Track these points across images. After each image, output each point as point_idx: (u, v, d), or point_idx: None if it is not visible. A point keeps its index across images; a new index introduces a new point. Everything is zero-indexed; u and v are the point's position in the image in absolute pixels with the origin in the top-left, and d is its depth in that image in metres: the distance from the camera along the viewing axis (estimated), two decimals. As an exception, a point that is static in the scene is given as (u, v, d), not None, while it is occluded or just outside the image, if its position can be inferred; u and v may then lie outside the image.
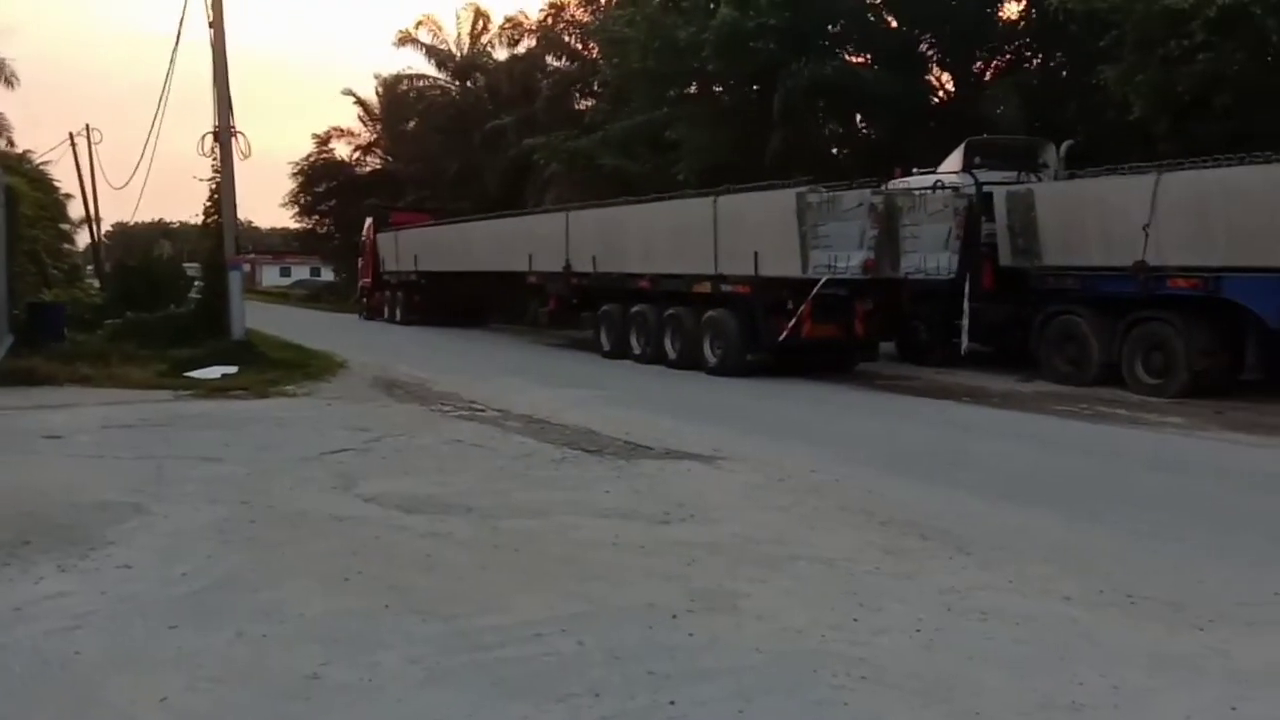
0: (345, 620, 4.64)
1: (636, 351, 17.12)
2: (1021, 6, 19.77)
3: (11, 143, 32.90)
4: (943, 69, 21.43)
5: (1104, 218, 13.17)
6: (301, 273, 62.95)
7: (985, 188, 14.69)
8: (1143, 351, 12.75)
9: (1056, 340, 13.90)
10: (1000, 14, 20.45)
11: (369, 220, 31.56)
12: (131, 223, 64.34)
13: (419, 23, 37.30)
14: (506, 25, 35.75)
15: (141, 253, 32.25)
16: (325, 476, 7.76)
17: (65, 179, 38.79)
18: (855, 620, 4.68)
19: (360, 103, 41.49)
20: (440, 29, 37.47)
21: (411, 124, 38.30)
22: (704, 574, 5.35)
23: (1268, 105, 13.98)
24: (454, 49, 37.59)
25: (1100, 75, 15.10)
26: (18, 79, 29.73)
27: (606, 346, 18.08)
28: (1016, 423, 11.10)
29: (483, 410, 11.39)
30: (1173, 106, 14.27)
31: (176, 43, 25.35)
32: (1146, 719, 3.76)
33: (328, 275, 52.86)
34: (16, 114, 53.20)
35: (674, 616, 4.67)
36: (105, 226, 48.16)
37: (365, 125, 42.16)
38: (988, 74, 20.82)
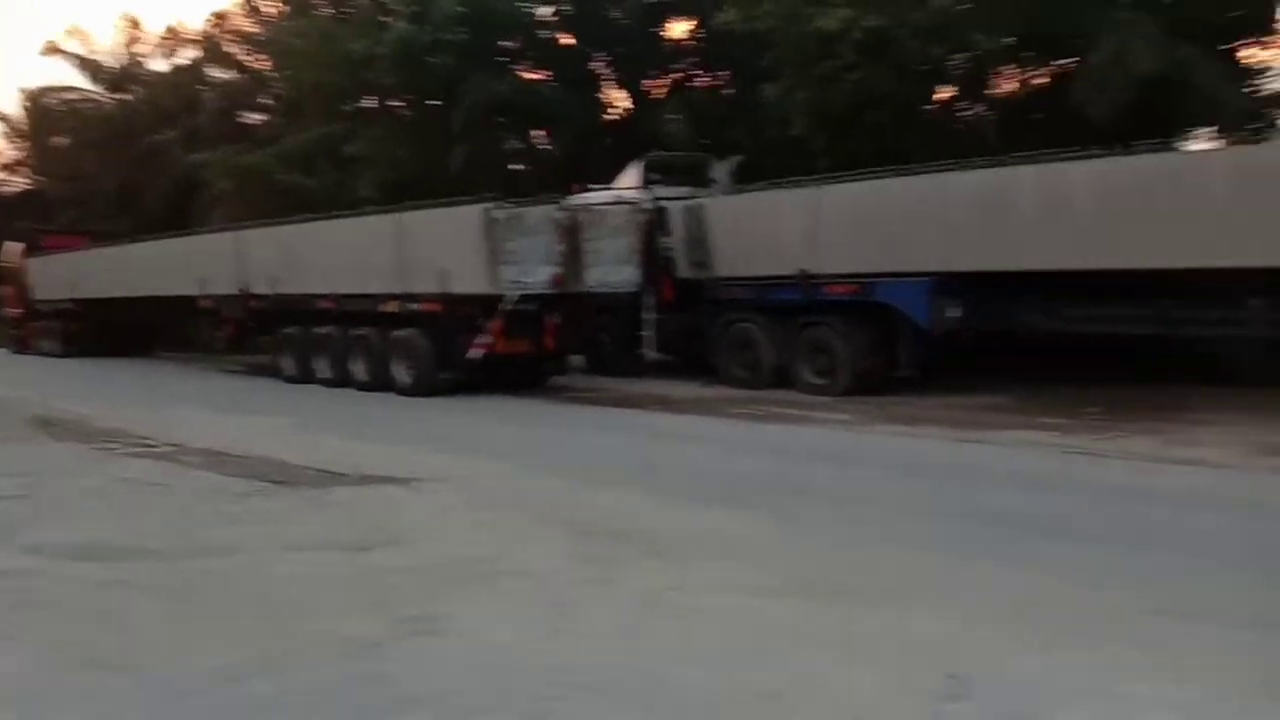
0: (13, 683, 4.13)
1: (323, 375, 16.35)
2: (690, 27, 20.78)
3: None
4: (617, 86, 22.12)
5: (770, 230, 14.06)
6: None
7: (661, 202, 15.26)
8: (810, 354, 13.67)
9: (732, 347, 14.64)
10: (668, 34, 21.39)
11: (11, 245, 28.22)
12: None
13: (68, 32, 34.04)
14: (166, 36, 33.35)
15: None
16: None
17: None
18: (558, 630, 4.67)
19: (3, 118, 37.29)
20: (90, 39, 34.37)
21: (62, 140, 34.81)
22: (405, 599, 5.17)
23: (914, 122, 15.45)
24: (108, 60, 34.56)
25: (762, 93, 16.07)
26: None
27: (290, 371, 17.14)
28: (700, 427, 11.58)
29: (155, 445, 10.40)
30: (828, 123, 15.34)
31: None
32: (841, 700, 3.92)
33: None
34: None
35: (377, 645, 4.49)
36: None
37: (10, 143, 37.94)
38: (659, 92, 21.70)
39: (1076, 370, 13.21)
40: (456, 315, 14.38)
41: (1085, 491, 7.77)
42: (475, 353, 14.02)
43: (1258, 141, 13.77)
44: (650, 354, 15.33)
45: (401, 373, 14.94)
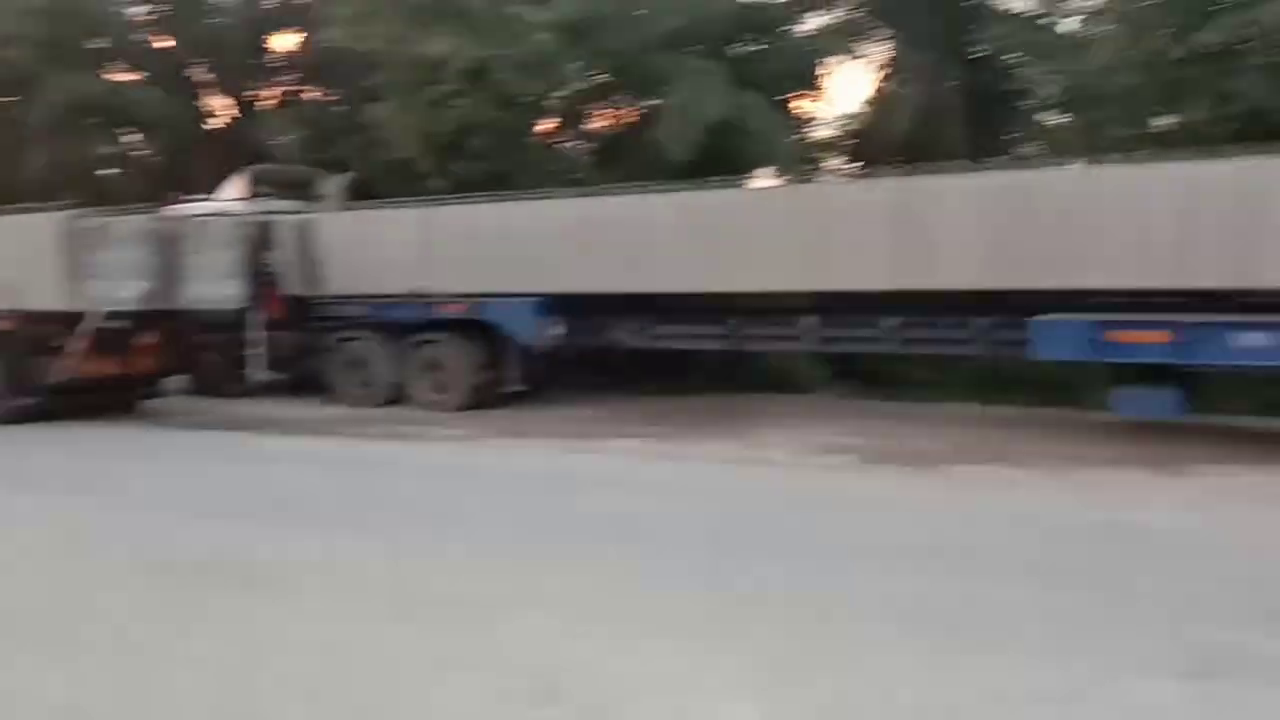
0: None
1: None
2: (298, 41, 20.08)
3: None
4: (220, 94, 20.93)
5: (382, 248, 13.91)
6: None
7: (268, 216, 14.65)
8: (424, 372, 13.66)
9: (347, 365, 14.31)
10: (276, 45, 20.56)
11: None
12: None
13: None
14: None
15: None
16: None
17: None
18: (139, 682, 4.40)
19: None
20: None
21: None
22: None
23: (515, 149, 15.94)
24: None
25: (370, 114, 15.93)
26: None
27: None
28: (311, 448, 11.23)
29: None
30: (436, 147, 15.50)
31: None
32: (438, 714, 4.07)
33: None
34: None
35: None
36: None
37: None
38: (266, 103, 20.79)
39: (668, 382, 14.32)
40: (31, 334, 12.93)
41: (666, 492, 8.43)
42: (57, 376, 12.68)
43: (807, 180, 15.53)
44: (259, 374, 14.59)
45: (-35, 400, 13.16)
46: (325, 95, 20.21)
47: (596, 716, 4.06)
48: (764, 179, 16.30)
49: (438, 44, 14.54)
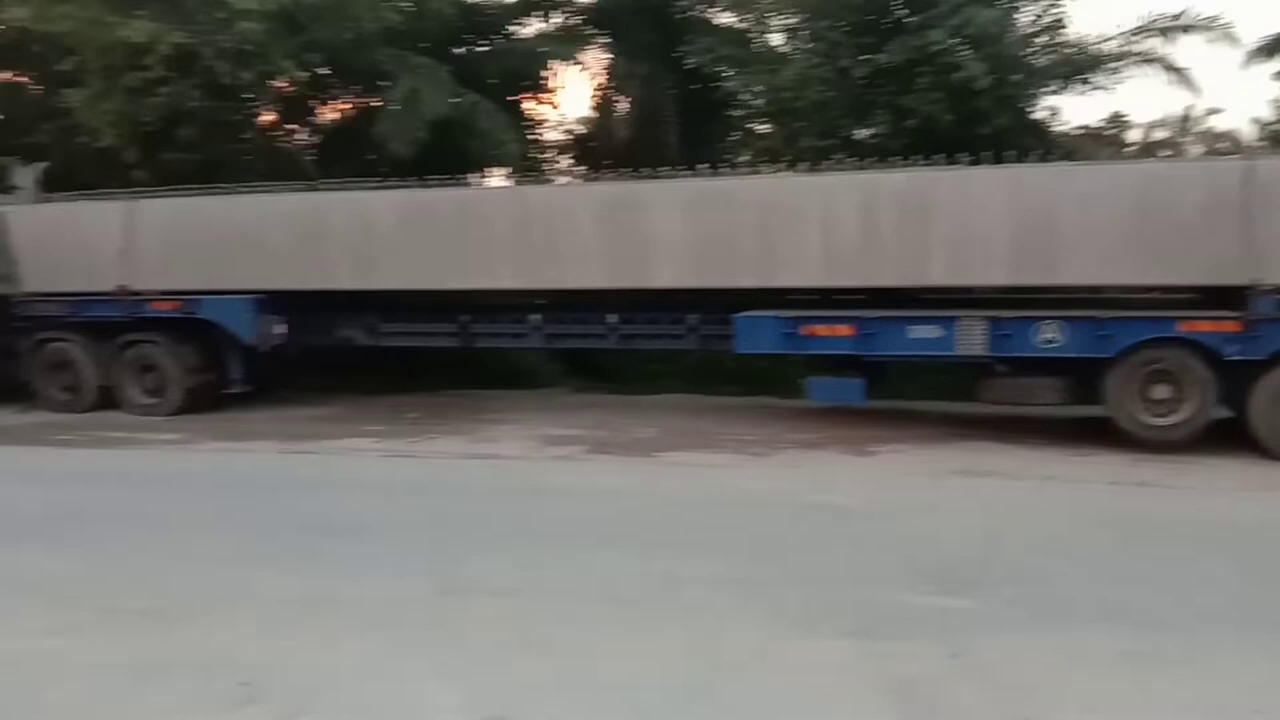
0: None
1: None
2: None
3: None
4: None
5: (84, 242, 13.08)
6: None
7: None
8: (136, 373, 12.97)
9: (49, 368, 13.35)
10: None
11: None
12: None
13: None
14: None
15: None
16: None
17: None
18: None
19: None
20: None
21: None
22: None
23: (228, 138, 15.36)
24: None
25: (67, 99, 14.89)
26: None
27: None
28: (11, 459, 10.55)
29: None
30: (141, 136, 14.70)
31: None
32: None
33: None
34: None
35: None
36: None
37: None
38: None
39: (398, 380, 14.32)
40: None
41: (392, 490, 8.58)
42: None
43: (529, 181, 15.89)
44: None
45: None
46: (16, 76, 18.56)
47: (297, 711, 4.18)
48: (495, 179, 16.56)
49: (137, 29, 13.74)
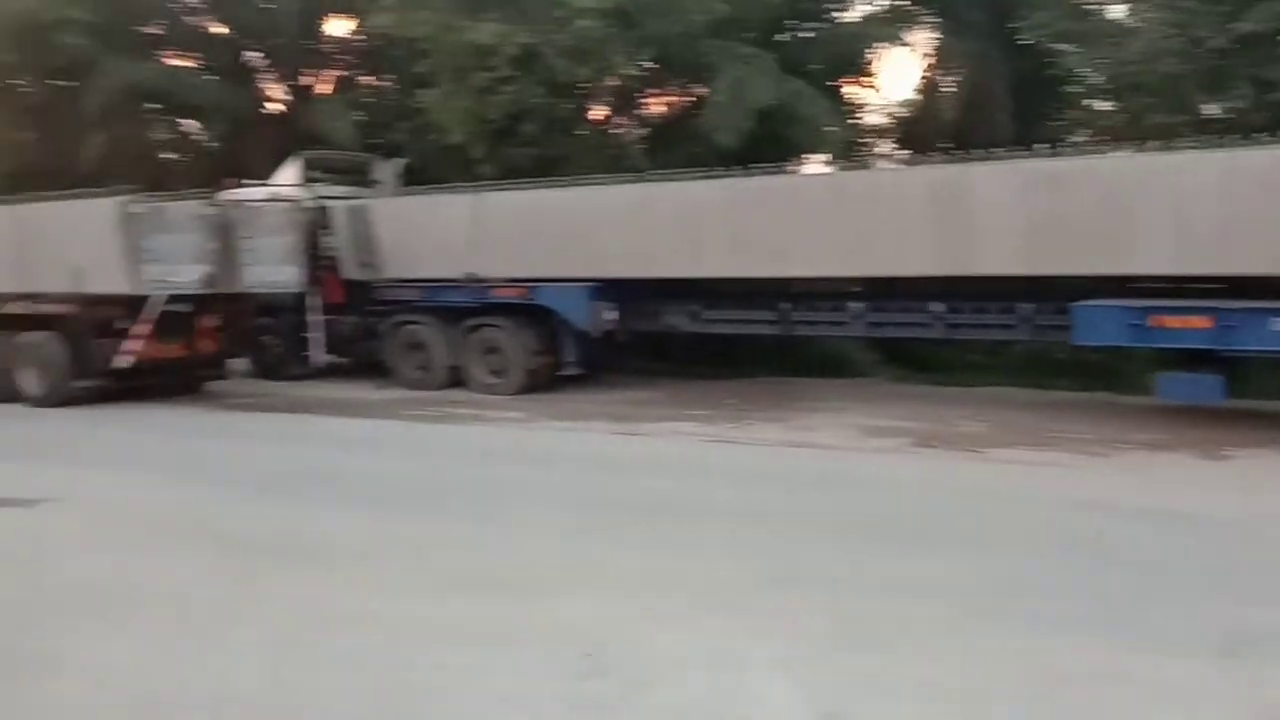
0: None
1: (-66, 386, 14.58)
2: (353, 27, 20.39)
3: None
4: (275, 80, 21.30)
5: (436, 233, 14.20)
6: None
7: (323, 201, 15.00)
8: (481, 355, 13.95)
9: (405, 348, 14.64)
10: (329, 31, 20.88)
11: None
12: None
13: None
14: None
15: None
16: None
17: None
18: (201, 654, 4.61)
19: None
20: None
21: None
22: (21, 634, 4.91)
23: (566, 133, 16.16)
24: None
25: (421, 99, 16.20)
26: None
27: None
28: (372, 430, 11.51)
29: None
30: (486, 132, 15.70)
31: None
32: (490, 686, 4.25)
33: None
34: None
35: None
36: None
37: None
38: (321, 89, 21.13)
39: (716, 366, 14.53)
40: (93, 317, 13.34)
41: (717, 475, 8.65)
42: (123, 359, 13.10)
43: (858, 167, 15.62)
44: (319, 357, 15.01)
45: (31, 382, 13.67)
46: (379, 81, 20.51)
47: (640, 689, 4.24)
48: (815, 165, 16.44)
49: (485, 31, 14.76)
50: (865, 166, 16.30)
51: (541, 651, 4.60)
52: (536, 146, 15.76)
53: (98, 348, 13.22)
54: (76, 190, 13.97)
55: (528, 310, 13.60)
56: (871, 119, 19.36)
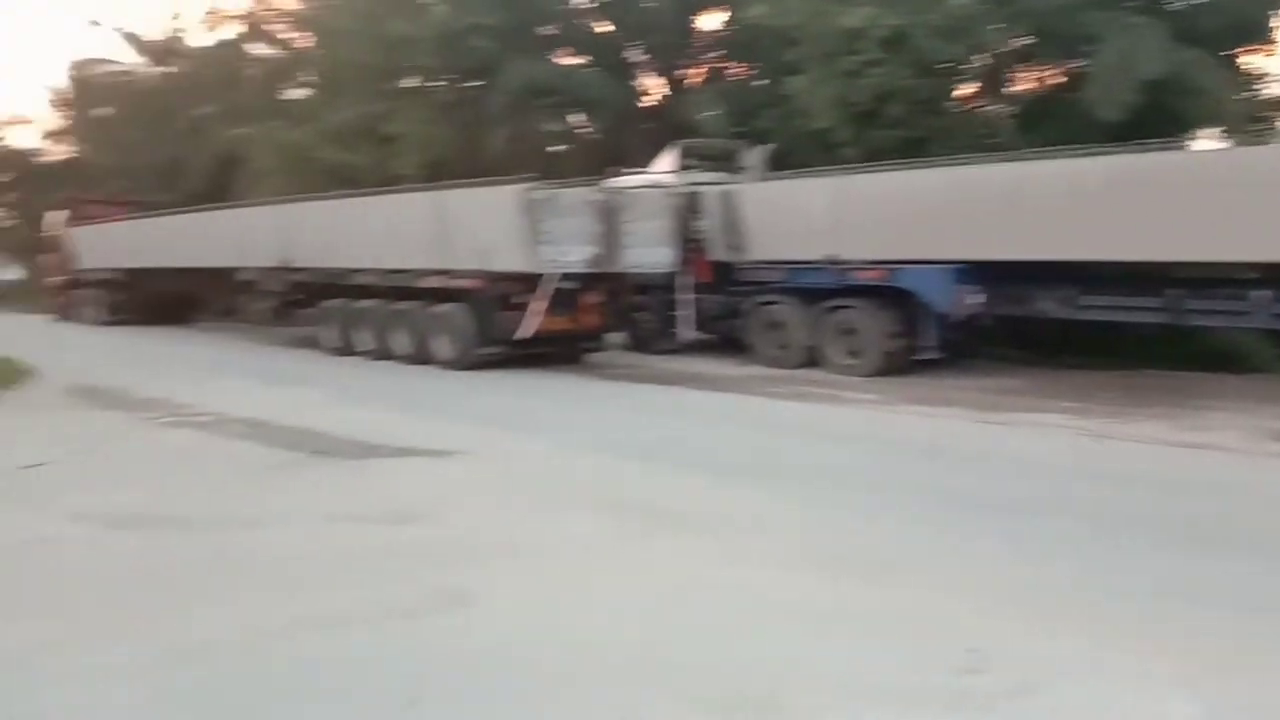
0: (35, 650, 4.41)
1: (364, 348, 16.88)
2: (723, 19, 21.09)
3: None
4: (653, 74, 22.47)
5: (799, 216, 14.40)
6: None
7: (695, 187, 15.66)
8: (838, 336, 14.04)
9: (765, 327, 15.03)
10: (701, 25, 21.73)
11: (53, 213, 28.94)
12: None
13: (115, 7, 35.10)
14: (209, 11, 34.11)
15: None
16: (21, 493, 7.28)
17: None
18: (592, 604, 4.92)
19: (51, 90, 38.52)
20: (136, 14, 35.39)
21: (105, 111, 35.65)
22: (436, 571, 5.40)
23: (933, 114, 15.80)
24: (150, 34, 35.42)
25: (789, 86, 16.45)
26: None
27: (331, 344, 17.65)
28: (733, 405, 11.87)
29: (197, 415, 10.81)
30: (852, 116, 15.72)
31: None
32: (865, 673, 4.19)
33: (10, 273, 47.85)
34: None
35: (407, 617, 4.74)
36: None
37: (56, 112, 39.04)
38: (693, 80, 22.03)
39: (1087, 355, 13.61)
40: (496, 292, 14.81)
41: (1095, 473, 8.10)
42: (524, 331, 14.47)
43: (1260, 143, 14.01)
44: (686, 333, 15.81)
45: (442, 347, 15.45)
46: (747, 71, 21.07)
47: (1025, 689, 4.04)
48: (1206, 140, 14.97)
49: (856, 15, 14.75)
50: (1266, 142, 14.58)
51: (914, 640, 4.50)
52: (901, 128, 15.56)
53: (500, 319, 14.68)
54: (483, 179, 15.54)
55: (887, 292, 13.50)
56: (1273, 90, 17.24)
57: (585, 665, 4.22)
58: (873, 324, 13.64)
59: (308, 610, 4.86)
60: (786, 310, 14.68)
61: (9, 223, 40.56)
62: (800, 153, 16.68)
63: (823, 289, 14.15)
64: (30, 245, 36.56)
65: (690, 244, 15.35)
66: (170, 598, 5.10)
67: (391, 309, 16.38)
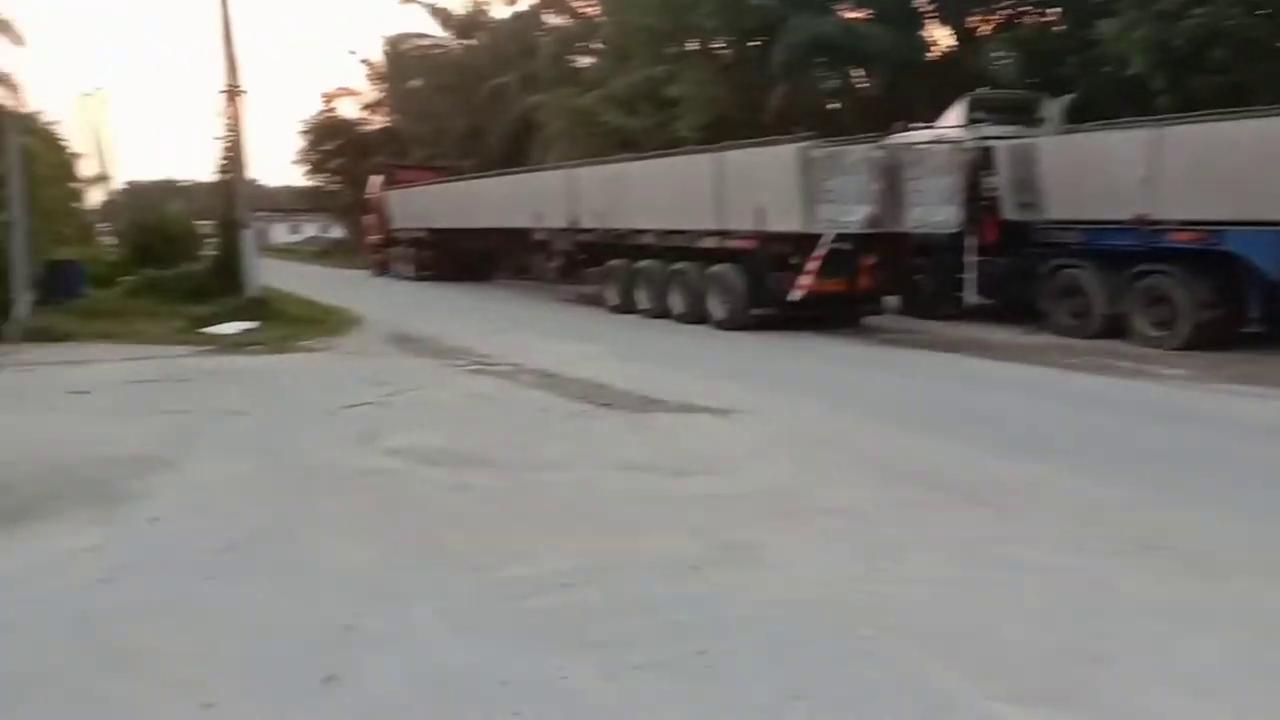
0: (375, 572, 4.76)
1: (643, 306, 17.35)
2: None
3: (22, 102, 32.44)
4: (940, 23, 21.46)
5: (1105, 172, 13.30)
6: (310, 230, 62.99)
7: (986, 142, 14.81)
8: (1145, 304, 12.92)
9: (1060, 293, 14.09)
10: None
11: (374, 178, 31.74)
12: (142, 181, 64.46)
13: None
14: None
15: (154, 210, 32.22)
16: (346, 430, 7.99)
17: (75, 137, 38.43)
18: (877, 571, 4.75)
19: (367, 63, 42.05)
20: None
21: (416, 83, 38.46)
22: (723, 526, 5.43)
23: (1263, 58, 14.15)
24: (456, 7, 37.78)
25: (1097, 30, 15.19)
26: (23, 38, 29.09)
27: (613, 301, 18.30)
28: (1022, 375, 11.24)
29: (496, 365, 11.62)
30: (1170, 61, 14.35)
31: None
32: (1168, 669, 3.80)
33: (336, 232, 52.89)
34: (25, 73, 52.43)
35: (696, 568, 4.76)
36: (116, 185, 48.01)
37: (372, 85, 42.60)
38: (984, 29, 20.84)
39: None
40: (770, 253, 14.79)
41: None
42: (795, 293, 14.35)
43: None
44: (970, 297, 15.04)
45: (716, 306, 15.59)
46: (1044, 17, 19.70)
47: None
48: None
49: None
50: None
51: (1242, 635, 4.08)
52: (1227, 74, 13.97)
53: (773, 280, 14.65)
54: (762, 139, 15.45)
55: (1205, 256, 12.24)
56: None
57: (882, 635, 4.05)
58: (1186, 292, 12.43)
59: (602, 555, 4.98)
60: (1086, 275, 13.67)
61: (333, 187, 44.60)
62: (1103, 104, 15.43)
63: (1129, 252, 13.03)
64: (351, 207, 40.18)
65: (978, 202, 14.52)
66: (477, 533, 5.39)
67: (669, 269, 16.70)
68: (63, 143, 33.82)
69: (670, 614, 4.23)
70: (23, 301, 14.16)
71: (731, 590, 4.53)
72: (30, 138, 18.69)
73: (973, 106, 15.55)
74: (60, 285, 16.99)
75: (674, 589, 4.54)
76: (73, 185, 34.39)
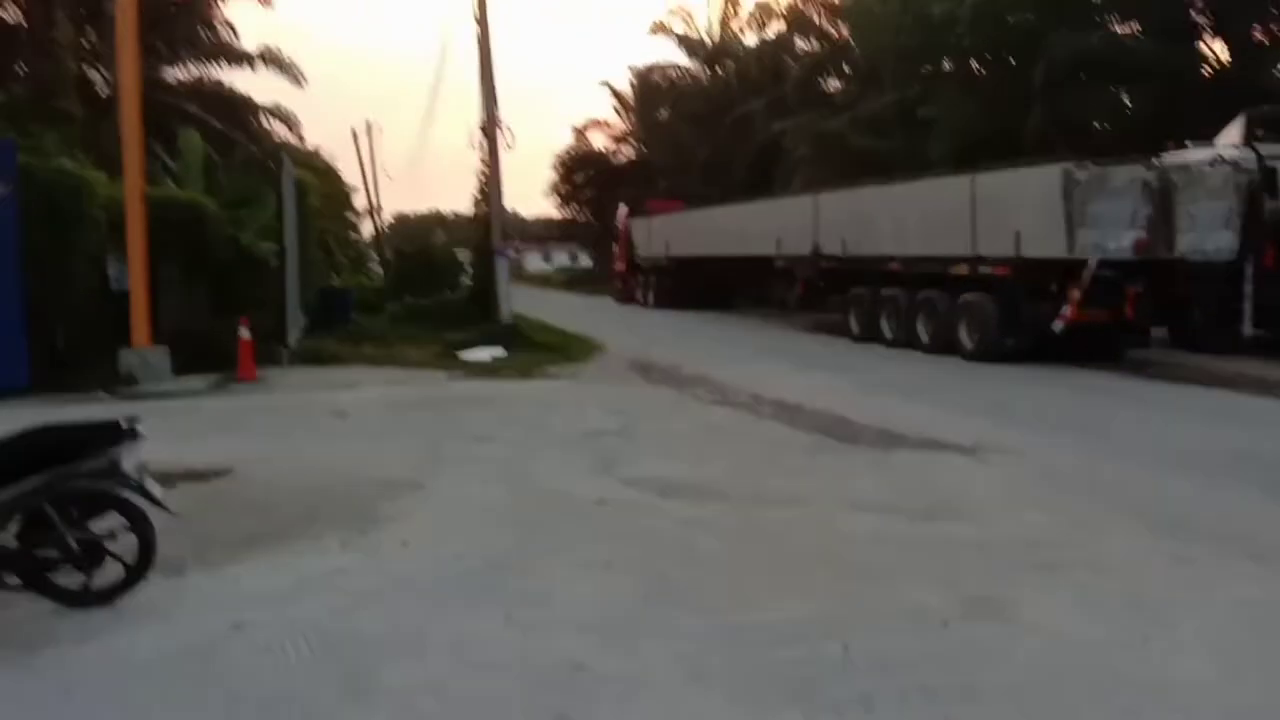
0: (608, 608, 4.72)
1: (887, 336, 16.89)
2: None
3: (301, 139, 35.39)
4: (1216, 37, 19.73)
5: None
6: (561, 259, 65.57)
7: (1268, 162, 13.47)
8: None
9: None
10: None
11: (622, 207, 32.70)
12: (409, 213, 69.29)
13: (671, 12, 38.49)
14: (756, 11, 36.11)
15: (419, 240, 34.50)
16: (586, 458, 8.10)
17: (348, 172, 41.71)
18: (1145, 638, 4.34)
19: (615, 94, 43.31)
20: (691, 18, 38.59)
21: (663, 113, 39.30)
22: (972, 577, 5.13)
23: None
24: (704, 37, 38.39)
25: None
26: (305, 79, 31.51)
27: (856, 330, 17.93)
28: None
29: (734, 395, 11.57)
30: None
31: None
32: None
33: (585, 261, 54.74)
34: (304, 112, 57.33)
35: (944, 624, 4.48)
36: (385, 216, 51.65)
37: (620, 116, 43.90)
38: (1267, 42, 18.98)
39: None
40: (1026, 280, 14.09)
41: None
42: (1058, 323, 13.61)
43: None
44: (1247, 329, 13.69)
45: (966, 336, 14.97)
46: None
47: None
48: None
49: None
50: None
51: None
52: None
53: (1028, 309, 13.90)
54: (1020, 160, 14.76)
55: None
56: None
57: (1160, 713, 3.69)
58: None
59: (840, 603, 4.79)
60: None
61: (583, 217, 46.19)
62: None
63: None
64: (600, 236, 41.51)
65: (1258, 227, 13.21)
66: (709, 572, 5.31)
67: (915, 297, 16.19)
68: (339, 177, 36.96)
69: (914, 674, 3.97)
70: (295, 327, 15.38)
71: (983, 651, 4.22)
72: (308, 173, 20.37)
73: (1252, 124, 14.22)
74: (333, 311, 18.39)
75: (918, 646, 4.26)
76: (348, 217, 37.44)
